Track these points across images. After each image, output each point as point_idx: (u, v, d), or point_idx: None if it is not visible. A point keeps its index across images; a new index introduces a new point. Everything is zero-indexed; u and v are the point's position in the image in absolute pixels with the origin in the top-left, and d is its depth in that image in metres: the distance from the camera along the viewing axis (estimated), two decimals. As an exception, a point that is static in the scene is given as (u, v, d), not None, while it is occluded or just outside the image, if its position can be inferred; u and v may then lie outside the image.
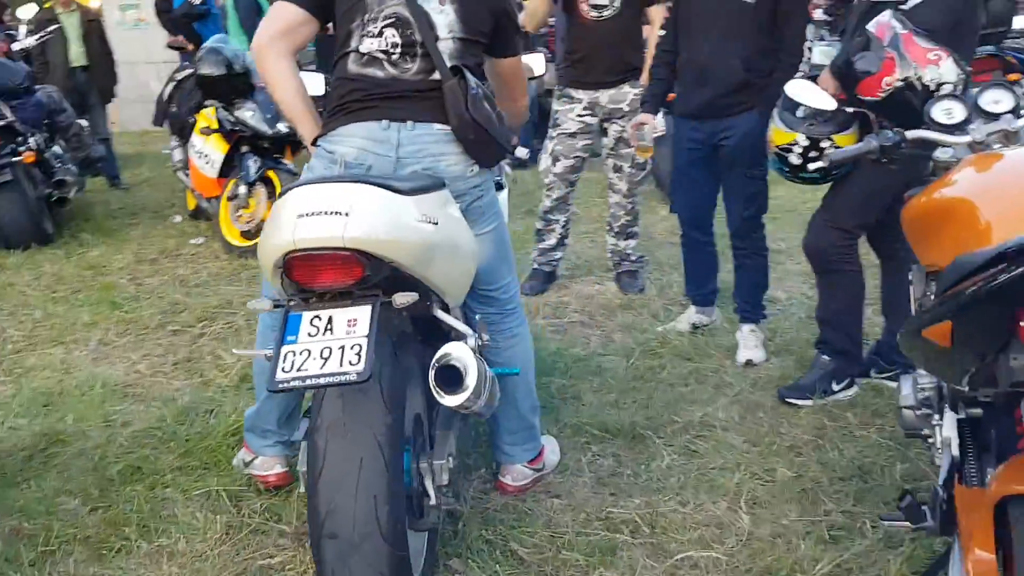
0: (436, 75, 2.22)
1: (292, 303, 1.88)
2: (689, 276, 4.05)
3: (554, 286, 4.73)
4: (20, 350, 4.10)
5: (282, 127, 5.36)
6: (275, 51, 2.27)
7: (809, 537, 2.40)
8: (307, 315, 1.83)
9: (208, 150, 5.55)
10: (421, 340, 2.28)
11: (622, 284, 4.63)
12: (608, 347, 3.89)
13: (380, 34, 2.22)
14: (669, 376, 3.52)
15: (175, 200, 6.86)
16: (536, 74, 3.22)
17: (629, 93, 4.28)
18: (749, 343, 3.67)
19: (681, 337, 3.89)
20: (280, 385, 1.74)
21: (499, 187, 3.23)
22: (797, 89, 2.86)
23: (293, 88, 2.32)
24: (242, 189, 5.38)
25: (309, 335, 1.80)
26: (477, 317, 2.48)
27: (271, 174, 5.37)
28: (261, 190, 5.38)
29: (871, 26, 2.78)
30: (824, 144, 2.93)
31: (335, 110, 2.26)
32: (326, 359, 1.76)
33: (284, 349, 1.78)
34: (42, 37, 7.05)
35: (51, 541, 2.45)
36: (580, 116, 4.37)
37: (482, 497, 2.64)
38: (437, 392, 1.96)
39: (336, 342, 1.78)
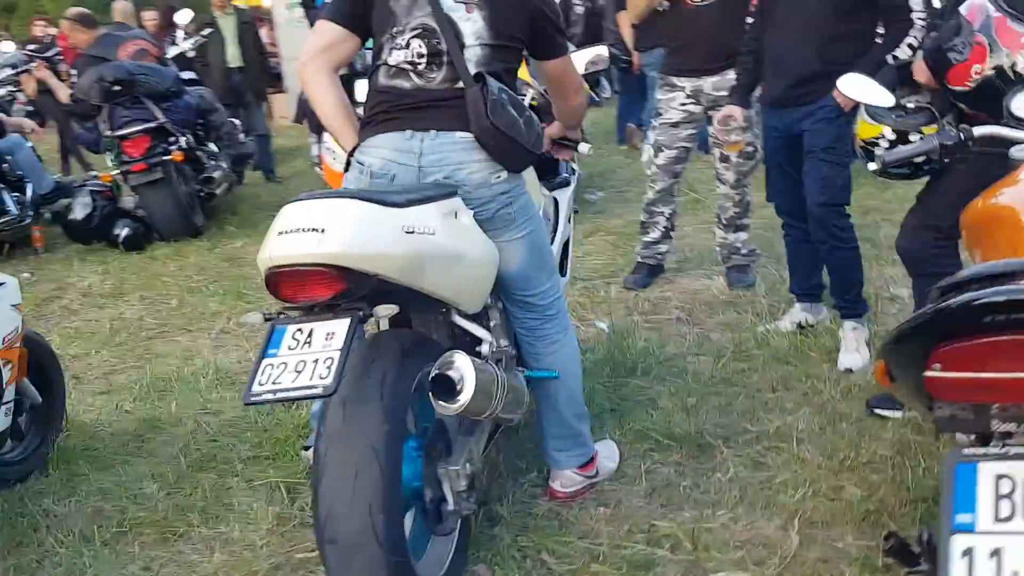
0: (461, 83, 2.21)
1: (280, 316, 1.93)
2: (792, 269, 3.86)
3: (659, 280, 4.61)
4: (152, 337, 4.44)
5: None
6: (315, 66, 2.34)
7: (859, 563, 2.23)
8: (291, 329, 1.87)
9: (336, 146, 5.75)
10: (455, 344, 2.29)
11: (730, 279, 4.46)
12: (702, 347, 3.75)
13: (407, 45, 2.23)
14: (757, 381, 3.35)
15: (320, 194, 7.19)
16: (599, 68, 3.15)
17: (733, 80, 4.09)
18: (850, 344, 3.44)
19: (782, 337, 3.70)
20: (252, 398, 1.79)
21: (564, 184, 3.19)
22: (850, 84, 2.64)
23: (332, 102, 2.37)
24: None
25: (289, 348, 1.84)
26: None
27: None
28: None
29: (963, 8, 2.53)
30: (913, 137, 2.70)
31: (366, 122, 2.31)
32: (299, 372, 1.79)
33: (264, 362, 1.83)
34: (197, 41, 7.53)
35: (125, 523, 2.64)
36: (683, 105, 4.23)
37: (528, 502, 2.62)
38: (433, 400, 1.96)
39: (311, 355, 1.81)
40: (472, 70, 2.21)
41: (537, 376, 2.52)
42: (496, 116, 2.15)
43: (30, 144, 6.60)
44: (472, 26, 2.23)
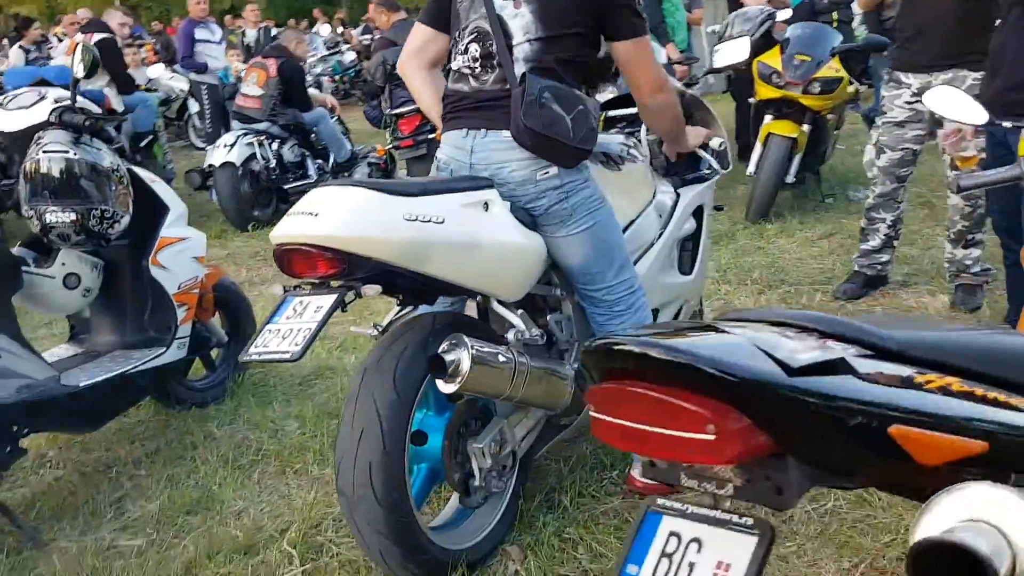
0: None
1: (293, 289, 2.10)
2: (1010, 296, 3.36)
3: (876, 293, 4.22)
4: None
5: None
6: (411, 66, 2.51)
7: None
8: (294, 301, 2.04)
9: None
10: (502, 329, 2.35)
11: (956, 299, 3.96)
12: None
13: (465, 50, 2.30)
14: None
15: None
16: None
17: (968, 78, 3.60)
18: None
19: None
20: (243, 357, 1.99)
21: (701, 179, 3.06)
22: (937, 99, 2.21)
23: (428, 97, 2.51)
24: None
25: (287, 318, 2.01)
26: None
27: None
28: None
29: None
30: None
31: (443, 119, 2.42)
32: (284, 339, 1.96)
33: (266, 327, 2.02)
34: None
35: (259, 453, 3.02)
36: (909, 103, 3.81)
37: (596, 497, 2.60)
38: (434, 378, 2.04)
39: (297, 325, 1.97)
40: (521, 67, 2.21)
41: None
42: (529, 117, 2.14)
43: (335, 117, 7.43)
44: (520, 21, 2.23)
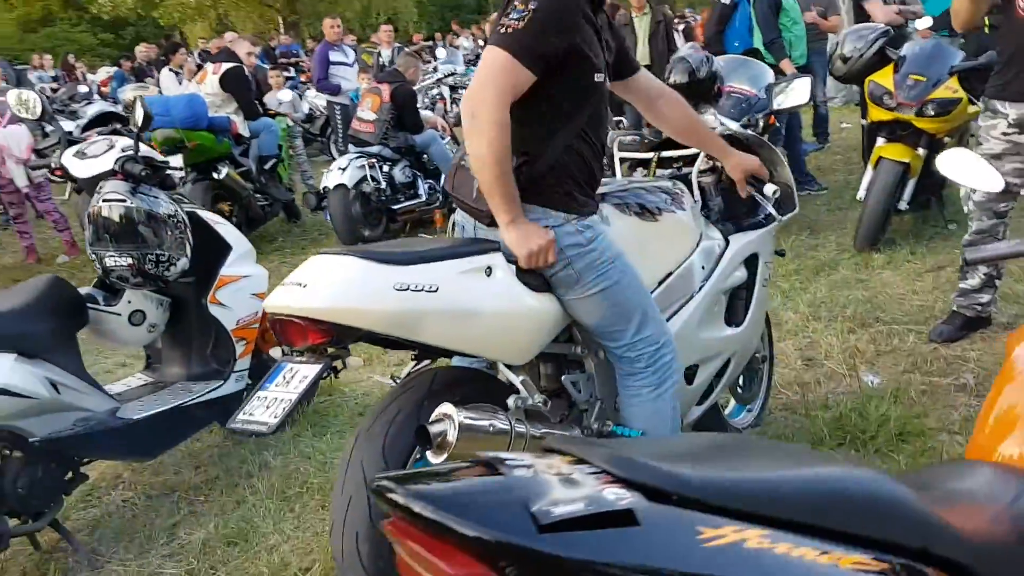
0: None
1: (289, 353, 2.15)
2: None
3: (976, 336, 3.91)
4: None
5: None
6: None
7: None
8: (286, 367, 2.09)
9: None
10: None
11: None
12: (965, 426, 3.16)
13: None
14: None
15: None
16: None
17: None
18: None
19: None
20: (229, 425, 2.06)
21: (756, 226, 2.93)
22: (950, 162, 1.99)
23: None
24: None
25: (276, 385, 2.06)
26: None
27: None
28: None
29: None
30: None
31: None
32: (267, 408, 2.01)
33: (256, 394, 2.08)
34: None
35: (304, 486, 3.13)
36: (1006, 134, 3.52)
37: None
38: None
39: (282, 394, 2.02)
40: None
41: (619, 432, 2.42)
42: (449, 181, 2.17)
43: (447, 139, 7.59)
44: None
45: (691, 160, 3.00)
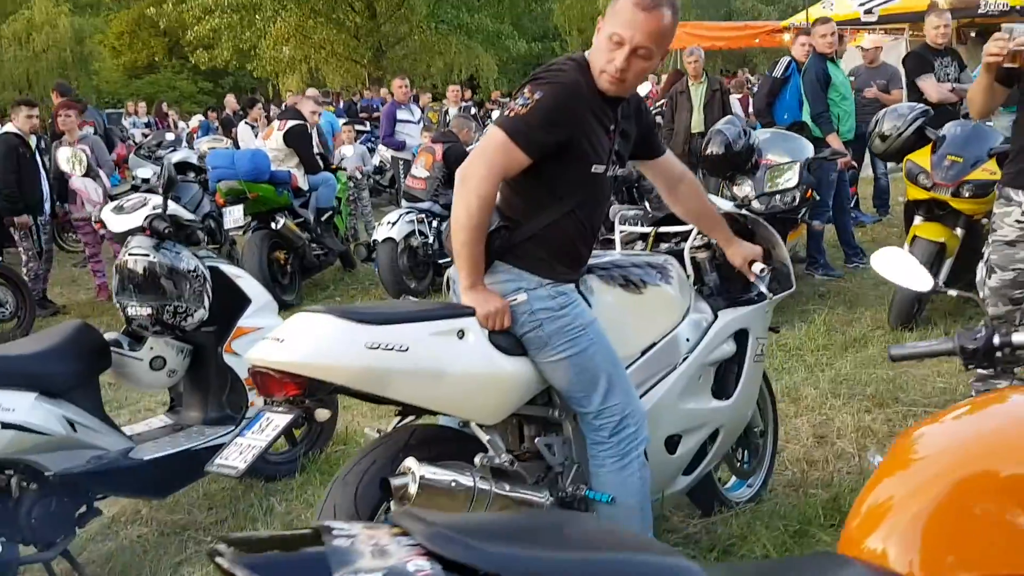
0: None
1: (268, 404, 2.30)
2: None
3: (992, 423, 3.83)
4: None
5: (781, 203, 5.38)
6: None
7: None
8: (264, 416, 2.25)
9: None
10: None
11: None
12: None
13: None
14: None
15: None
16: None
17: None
18: None
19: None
20: (206, 468, 2.21)
21: (747, 302, 2.98)
22: (884, 260, 2.02)
23: None
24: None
25: (253, 432, 2.22)
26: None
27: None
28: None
29: None
30: None
31: None
32: (241, 453, 2.16)
33: (234, 440, 2.24)
34: (661, 107, 8.10)
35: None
36: (1020, 222, 3.50)
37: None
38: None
39: (255, 441, 2.17)
40: None
41: (592, 496, 2.49)
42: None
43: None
44: None
45: (687, 236, 3.08)
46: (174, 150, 12.05)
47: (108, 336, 3.25)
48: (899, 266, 2.03)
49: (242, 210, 6.80)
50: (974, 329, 1.77)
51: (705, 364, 2.92)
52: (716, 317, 2.97)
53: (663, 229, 3.35)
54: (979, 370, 3.75)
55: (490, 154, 2.27)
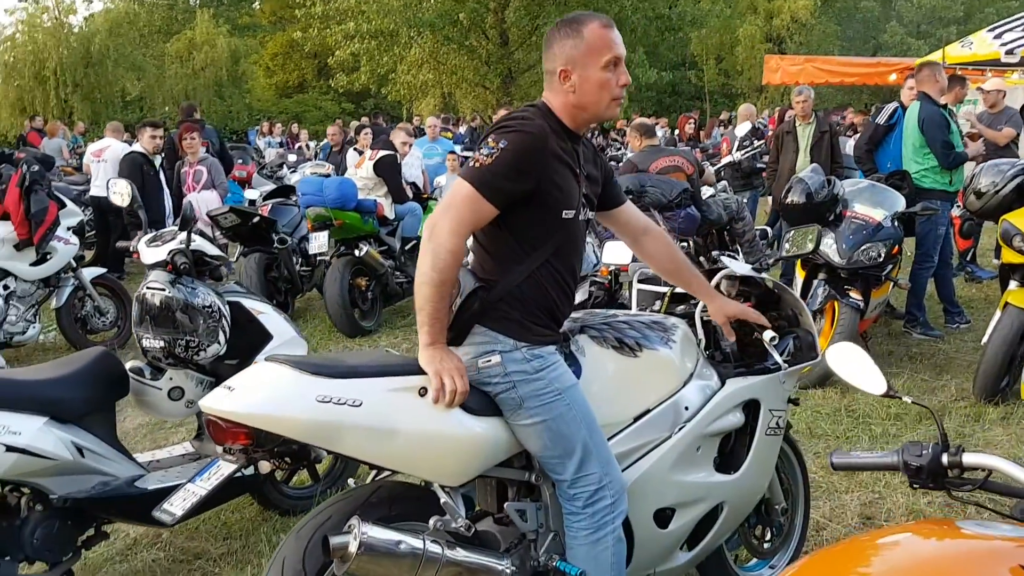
0: None
1: (224, 453, 2.29)
2: None
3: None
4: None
5: (864, 259, 5.07)
6: None
7: None
8: (217, 464, 2.24)
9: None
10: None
11: None
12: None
13: None
14: None
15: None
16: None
17: None
18: None
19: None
20: (152, 512, 2.21)
21: (761, 371, 2.80)
22: (838, 356, 1.79)
23: None
24: (806, 317, 5.26)
25: (203, 479, 2.22)
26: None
27: (834, 304, 5.11)
28: (820, 320, 5.18)
29: None
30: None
31: None
32: (184, 500, 2.16)
33: (185, 486, 2.23)
34: (746, 152, 7.80)
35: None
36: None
37: None
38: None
39: (200, 489, 2.16)
40: None
41: (562, 568, 2.38)
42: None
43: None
44: None
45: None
46: (294, 171, 12.55)
47: (130, 364, 3.36)
48: (852, 364, 1.84)
49: (327, 236, 6.95)
50: (920, 444, 1.57)
51: (705, 435, 2.74)
52: (724, 385, 2.79)
53: (678, 290, 3.18)
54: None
55: (457, 207, 2.22)
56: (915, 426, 4.56)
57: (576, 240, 2.48)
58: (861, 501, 3.79)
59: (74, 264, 6.47)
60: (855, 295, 5.10)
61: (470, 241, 2.39)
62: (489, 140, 2.24)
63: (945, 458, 1.54)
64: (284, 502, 3.72)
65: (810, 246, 4.54)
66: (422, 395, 2.23)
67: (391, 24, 20.96)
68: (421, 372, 2.25)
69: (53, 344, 6.95)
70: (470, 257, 2.49)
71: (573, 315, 2.68)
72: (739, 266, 2.97)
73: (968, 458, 1.52)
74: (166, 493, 3.20)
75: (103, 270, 6.94)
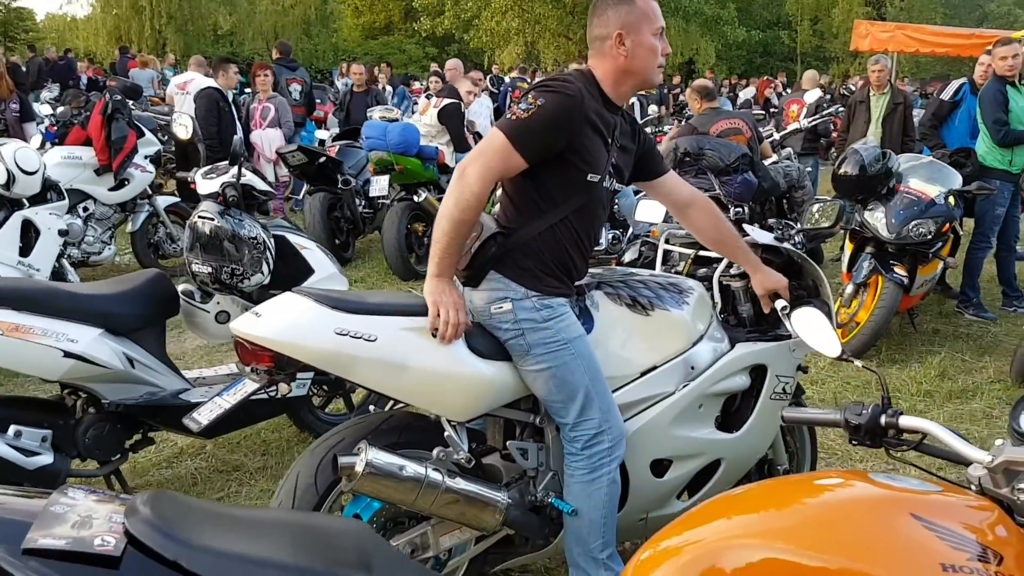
0: None
1: (250, 370, 2.49)
2: None
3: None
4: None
5: (913, 234, 5.05)
6: None
7: None
8: (243, 381, 2.45)
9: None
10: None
11: None
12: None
13: None
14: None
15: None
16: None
17: None
18: None
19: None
20: (183, 420, 2.43)
21: (773, 339, 2.87)
22: (802, 320, 1.85)
23: None
24: (849, 288, 5.26)
25: (229, 394, 2.43)
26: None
27: (879, 279, 5.11)
28: (864, 293, 5.18)
29: None
30: None
31: None
32: (211, 412, 2.37)
33: (213, 398, 2.45)
34: (820, 119, 7.69)
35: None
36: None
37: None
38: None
39: (226, 402, 2.37)
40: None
41: (556, 504, 2.54)
42: None
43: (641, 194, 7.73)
44: None
45: (718, 262, 3.01)
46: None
47: (182, 287, 3.61)
48: (813, 327, 1.93)
49: (387, 180, 7.14)
50: (862, 404, 1.67)
51: (708, 394, 2.85)
52: (733, 348, 2.89)
53: (702, 253, 3.26)
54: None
55: (489, 155, 2.35)
56: (943, 403, 4.57)
57: (597, 204, 2.58)
58: (874, 470, 3.84)
59: (150, 191, 6.81)
60: (900, 270, 5.08)
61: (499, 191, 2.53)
62: (529, 96, 2.35)
63: (883, 419, 1.63)
64: (318, 426, 3.96)
65: (826, 223, 4.55)
66: (435, 335, 2.40)
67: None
68: (406, 313, 2.40)
69: (127, 266, 7.33)
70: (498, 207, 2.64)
71: (591, 271, 2.80)
72: (761, 235, 3.04)
73: (905, 420, 1.61)
74: (205, 406, 3.47)
75: (177, 199, 7.27)
